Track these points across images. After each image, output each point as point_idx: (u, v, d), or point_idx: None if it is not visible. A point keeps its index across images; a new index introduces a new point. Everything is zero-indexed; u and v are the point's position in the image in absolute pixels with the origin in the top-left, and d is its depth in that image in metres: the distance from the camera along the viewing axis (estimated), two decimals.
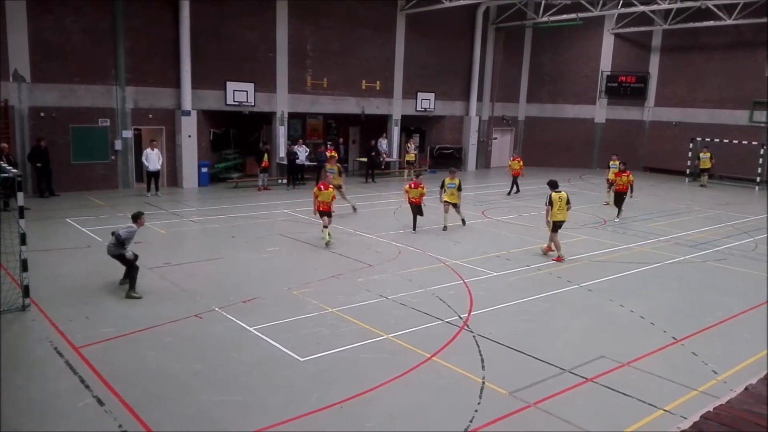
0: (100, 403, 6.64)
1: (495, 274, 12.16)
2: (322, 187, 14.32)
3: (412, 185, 15.84)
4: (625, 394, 7.20)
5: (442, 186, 16.28)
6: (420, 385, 7.36)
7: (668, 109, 30.99)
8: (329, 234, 14.01)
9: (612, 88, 31.88)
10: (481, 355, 8.22)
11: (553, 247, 13.40)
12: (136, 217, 10.46)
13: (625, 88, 31.77)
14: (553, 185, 13.32)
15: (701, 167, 26.95)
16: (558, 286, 11.51)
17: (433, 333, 8.94)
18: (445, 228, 16.02)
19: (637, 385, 7.47)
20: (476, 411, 6.71)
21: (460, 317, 9.60)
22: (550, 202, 13.04)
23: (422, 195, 15.83)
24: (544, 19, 28.68)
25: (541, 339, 8.91)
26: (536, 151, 33.06)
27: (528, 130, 33.73)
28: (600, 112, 32.47)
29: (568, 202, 13.26)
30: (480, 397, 7.05)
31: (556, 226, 13.18)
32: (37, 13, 18.48)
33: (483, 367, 7.85)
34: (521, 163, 23.23)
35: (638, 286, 11.77)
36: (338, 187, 17.02)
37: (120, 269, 10.43)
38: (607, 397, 7.19)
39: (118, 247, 10.06)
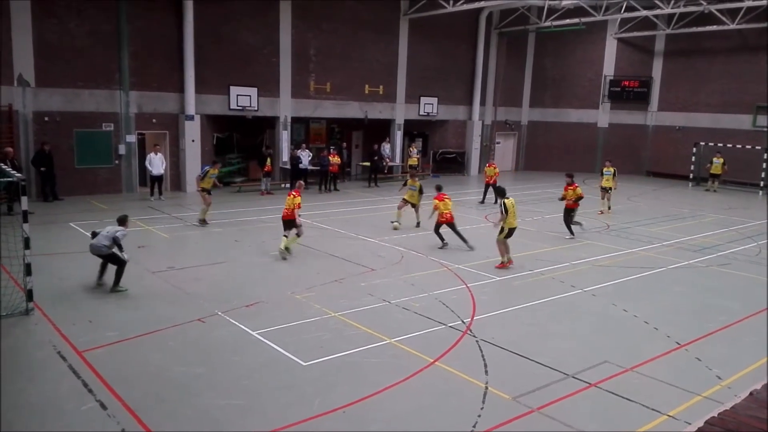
0: (103, 406, 6.65)
1: (498, 278, 12.14)
2: (293, 193, 13.38)
3: (439, 198, 14.53)
4: (628, 399, 7.18)
5: (405, 184, 17.32)
6: (423, 390, 7.35)
7: (671, 114, 30.94)
8: (285, 245, 13.20)
9: (615, 92, 31.86)
10: (484, 359, 8.21)
11: (504, 258, 12.88)
12: (123, 221, 10.83)
13: (629, 93, 31.73)
14: (502, 193, 13.10)
15: (712, 172, 26.68)
16: (561, 290, 11.49)
17: (436, 337, 8.93)
18: (396, 228, 16.32)
19: (641, 390, 7.44)
20: (479, 416, 6.70)
21: (463, 322, 9.58)
22: (506, 210, 12.69)
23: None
24: (547, 23, 28.70)
25: (545, 344, 8.89)
26: (539, 156, 33.12)
27: (531, 134, 33.73)
28: (603, 116, 32.45)
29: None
30: (483, 401, 7.03)
31: (512, 232, 12.87)
32: (42, 17, 18.55)
33: (486, 371, 7.83)
34: (496, 170, 21.80)
35: (642, 291, 11.74)
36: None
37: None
38: (611, 402, 7.16)
39: (111, 248, 10.37)
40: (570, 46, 32.05)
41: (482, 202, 21.51)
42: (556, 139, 32.79)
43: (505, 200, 12.79)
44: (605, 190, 20.06)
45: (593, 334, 9.47)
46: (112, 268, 10.66)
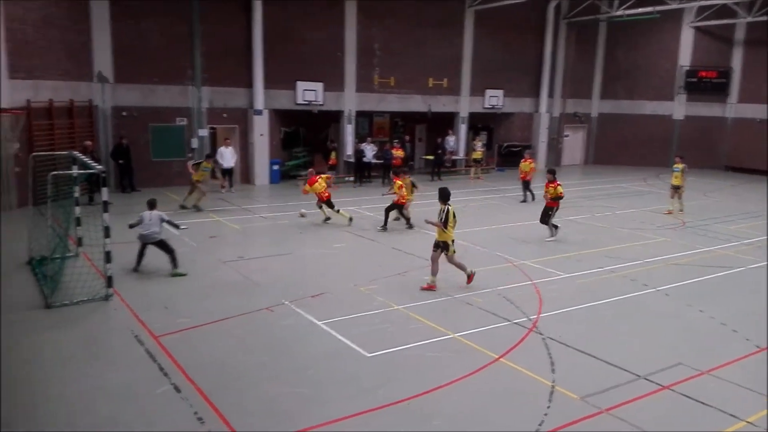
0: (177, 390, 6.92)
1: (566, 275, 11.86)
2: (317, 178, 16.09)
3: (396, 179, 15.95)
4: (704, 404, 6.88)
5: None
6: (487, 387, 7.28)
7: (752, 106, 29.29)
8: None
9: (691, 83, 30.46)
10: (550, 357, 8.04)
11: (461, 270, 10.85)
12: (153, 204, 11.40)
13: (706, 84, 30.28)
14: (446, 196, 10.69)
15: None
16: (633, 289, 11.10)
17: (501, 334, 8.82)
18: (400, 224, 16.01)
19: (718, 394, 7.11)
20: (545, 414, 6.57)
21: (528, 318, 9.42)
22: (447, 218, 10.51)
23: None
24: (619, 12, 27.70)
25: (615, 343, 8.62)
26: (610, 149, 32.10)
27: (601, 126, 32.70)
28: (678, 108, 31.09)
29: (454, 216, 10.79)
30: (549, 400, 6.90)
31: (448, 247, 10.66)
32: (120, 17, 19.45)
33: (553, 370, 7.67)
34: (532, 164, 20.16)
35: (719, 291, 11.20)
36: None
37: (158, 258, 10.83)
38: (685, 406, 6.88)
39: (161, 233, 11.08)
40: (644, 35, 30.82)
41: (524, 200, 19.97)
42: (628, 131, 31.65)
43: (449, 206, 10.65)
44: (675, 189, 18.18)
45: (666, 335, 9.11)
46: (151, 256, 11.14)
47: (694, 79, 30.39)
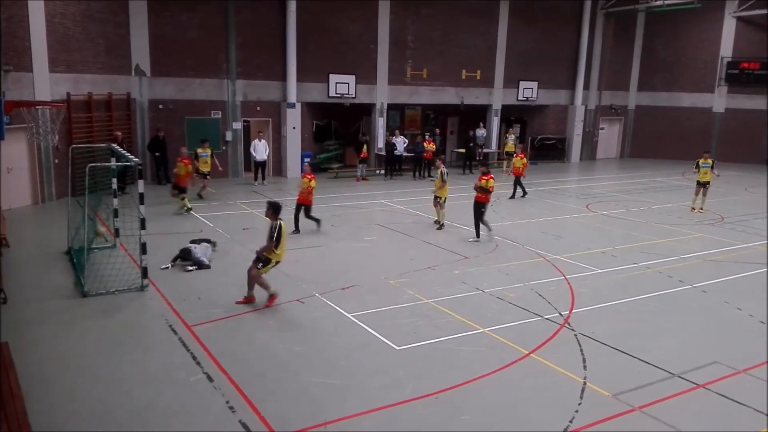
0: (210, 379, 7.05)
1: (599, 271, 11.69)
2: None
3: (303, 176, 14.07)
4: (740, 403, 6.72)
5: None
6: (517, 381, 7.24)
7: None
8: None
9: (733, 75, 29.58)
10: (582, 354, 7.95)
11: (263, 289, 9.54)
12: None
13: (748, 75, 29.36)
14: (278, 210, 9.45)
15: None
16: (668, 286, 10.89)
17: (532, 329, 8.75)
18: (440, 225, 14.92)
19: (755, 394, 6.94)
20: (576, 411, 6.51)
21: (560, 314, 9.32)
22: (280, 236, 9.32)
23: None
24: (659, 2, 27.04)
25: (649, 341, 8.47)
26: (647, 142, 31.47)
27: (638, 119, 32.04)
28: (719, 100, 30.25)
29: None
30: (581, 397, 6.82)
31: (268, 261, 9.50)
32: (157, 11, 19.76)
33: (585, 366, 7.58)
34: (524, 160, 19.39)
35: (758, 289, 10.89)
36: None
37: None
38: (721, 405, 6.73)
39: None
40: (683, 26, 30.05)
41: (512, 197, 19.20)
42: (666, 124, 30.94)
43: (281, 221, 9.45)
44: (702, 185, 17.53)
45: (702, 332, 8.92)
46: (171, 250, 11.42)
47: (736, 71, 29.49)
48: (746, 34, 29.29)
